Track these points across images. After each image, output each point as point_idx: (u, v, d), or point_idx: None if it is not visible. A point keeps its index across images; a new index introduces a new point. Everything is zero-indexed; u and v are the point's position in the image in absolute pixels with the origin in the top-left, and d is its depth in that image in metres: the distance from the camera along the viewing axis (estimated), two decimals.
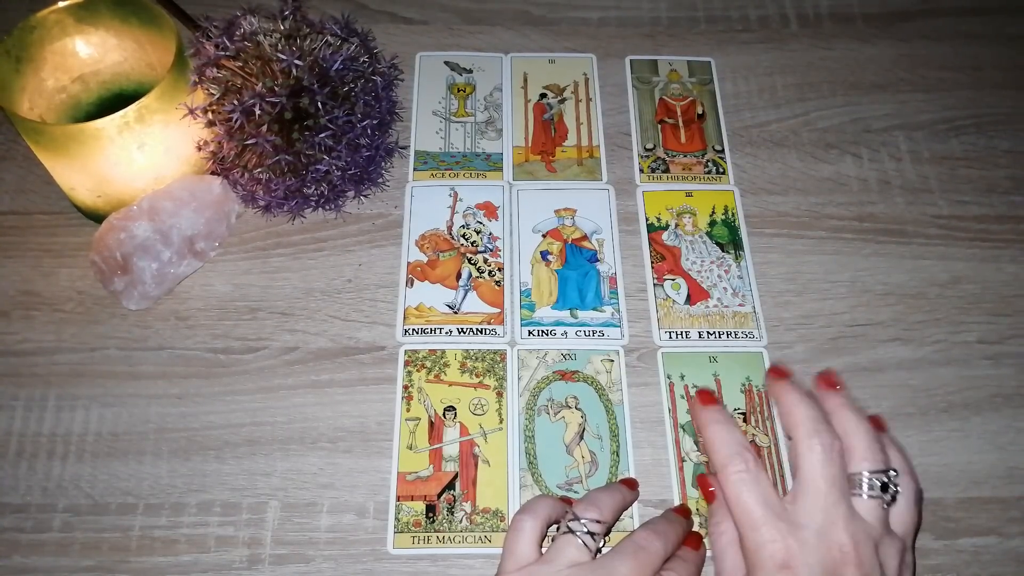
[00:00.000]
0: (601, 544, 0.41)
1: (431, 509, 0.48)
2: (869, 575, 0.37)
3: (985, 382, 0.53)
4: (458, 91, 0.65)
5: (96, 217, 0.56)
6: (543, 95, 0.65)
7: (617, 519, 0.44)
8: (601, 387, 0.52)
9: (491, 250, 0.57)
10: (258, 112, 0.51)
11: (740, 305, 0.55)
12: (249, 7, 0.55)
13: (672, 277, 0.57)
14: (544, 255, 0.57)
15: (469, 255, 0.57)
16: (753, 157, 0.62)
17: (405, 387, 0.52)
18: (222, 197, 0.55)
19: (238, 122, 0.52)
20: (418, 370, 0.53)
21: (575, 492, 0.49)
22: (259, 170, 0.54)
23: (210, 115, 0.53)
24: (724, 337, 0.54)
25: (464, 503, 0.48)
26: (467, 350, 0.53)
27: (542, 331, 0.54)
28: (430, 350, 0.53)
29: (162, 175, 0.55)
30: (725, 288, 0.56)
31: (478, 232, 0.58)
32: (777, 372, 0.43)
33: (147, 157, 0.53)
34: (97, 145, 0.51)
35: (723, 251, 0.58)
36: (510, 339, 0.54)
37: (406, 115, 0.63)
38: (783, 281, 0.57)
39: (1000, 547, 0.48)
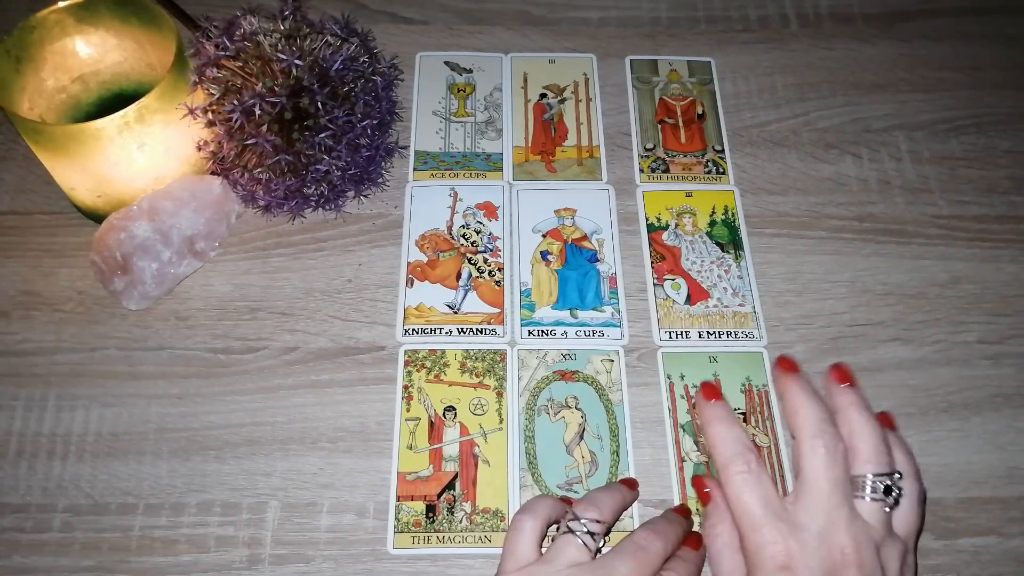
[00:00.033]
0: (601, 544, 0.41)
1: (431, 509, 0.48)
2: None
3: (985, 382, 0.53)
4: (458, 91, 0.65)
5: (96, 217, 0.56)
6: (543, 95, 0.65)
7: (617, 519, 0.44)
8: (601, 387, 0.52)
9: (491, 250, 0.57)
10: (258, 112, 0.51)
11: (740, 305, 0.55)
12: (249, 7, 0.55)
13: (672, 277, 0.57)
14: (544, 255, 0.57)
15: (469, 255, 0.57)
16: (753, 157, 0.62)
17: (405, 387, 0.52)
18: (222, 197, 0.55)
19: (238, 122, 0.52)
20: (418, 370, 0.53)
21: (575, 492, 0.49)
22: (259, 170, 0.54)
23: (210, 115, 0.53)
24: (724, 337, 0.54)
25: (464, 503, 0.48)
26: (467, 350, 0.53)
27: (542, 331, 0.54)
28: (430, 350, 0.53)
29: (162, 175, 0.55)
30: (725, 288, 0.56)
31: (478, 232, 0.58)
32: (786, 364, 0.42)
33: (147, 157, 0.53)
34: (97, 145, 0.51)
35: (723, 251, 0.58)
36: (510, 339, 0.54)
37: (406, 115, 0.63)
38: (783, 281, 0.57)
39: (1000, 547, 0.48)
